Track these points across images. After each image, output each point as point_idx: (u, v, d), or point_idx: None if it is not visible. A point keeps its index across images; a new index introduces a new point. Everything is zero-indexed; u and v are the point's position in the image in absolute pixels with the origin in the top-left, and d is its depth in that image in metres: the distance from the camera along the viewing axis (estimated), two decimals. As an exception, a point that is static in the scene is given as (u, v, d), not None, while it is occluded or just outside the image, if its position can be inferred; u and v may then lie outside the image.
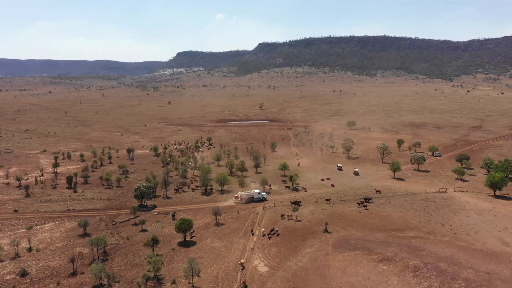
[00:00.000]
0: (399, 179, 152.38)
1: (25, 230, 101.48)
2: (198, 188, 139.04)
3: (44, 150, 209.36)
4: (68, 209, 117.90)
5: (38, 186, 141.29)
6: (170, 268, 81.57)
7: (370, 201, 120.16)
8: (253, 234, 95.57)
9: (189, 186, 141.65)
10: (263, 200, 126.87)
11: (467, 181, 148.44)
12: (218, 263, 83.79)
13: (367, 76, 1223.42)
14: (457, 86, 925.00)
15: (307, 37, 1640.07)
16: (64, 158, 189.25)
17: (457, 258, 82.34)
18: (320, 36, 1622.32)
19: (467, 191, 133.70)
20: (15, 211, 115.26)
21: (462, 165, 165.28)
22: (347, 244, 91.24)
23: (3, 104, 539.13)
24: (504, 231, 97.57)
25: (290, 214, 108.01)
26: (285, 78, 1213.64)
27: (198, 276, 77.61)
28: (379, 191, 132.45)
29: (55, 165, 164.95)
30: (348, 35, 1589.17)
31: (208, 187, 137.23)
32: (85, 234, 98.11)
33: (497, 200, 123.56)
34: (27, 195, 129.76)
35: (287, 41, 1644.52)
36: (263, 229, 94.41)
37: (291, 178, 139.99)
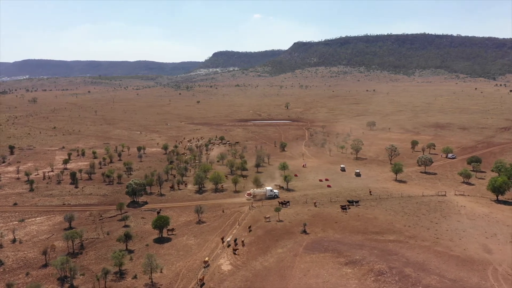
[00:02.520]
0: (400, 181, 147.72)
1: (17, 222, 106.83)
2: (184, 184, 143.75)
3: (63, 147, 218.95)
4: (64, 204, 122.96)
5: (44, 181, 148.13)
6: (138, 263, 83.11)
7: (357, 203, 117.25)
8: (223, 242, 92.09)
9: (179, 184, 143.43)
10: (275, 197, 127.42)
11: (473, 184, 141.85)
12: (184, 260, 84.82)
13: (404, 75, 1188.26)
14: (500, 85, 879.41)
15: (343, 36, 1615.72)
16: (78, 155, 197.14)
17: (428, 264, 79.14)
18: (356, 35, 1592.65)
19: (468, 195, 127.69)
20: (15, 204, 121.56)
21: (473, 168, 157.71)
22: (320, 245, 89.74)
23: (43, 103, 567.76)
24: (492, 238, 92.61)
25: (268, 216, 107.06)
26: (319, 78, 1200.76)
27: (161, 272, 79.12)
28: (370, 192, 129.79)
29: (65, 161, 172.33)
30: (385, 33, 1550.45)
31: (202, 186, 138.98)
32: (70, 228, 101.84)
33: (497, 205, 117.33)
34: (31, 190, 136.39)
35: (322, 40, 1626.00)
36: (228, 239, 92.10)
37: (285, 178, 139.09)
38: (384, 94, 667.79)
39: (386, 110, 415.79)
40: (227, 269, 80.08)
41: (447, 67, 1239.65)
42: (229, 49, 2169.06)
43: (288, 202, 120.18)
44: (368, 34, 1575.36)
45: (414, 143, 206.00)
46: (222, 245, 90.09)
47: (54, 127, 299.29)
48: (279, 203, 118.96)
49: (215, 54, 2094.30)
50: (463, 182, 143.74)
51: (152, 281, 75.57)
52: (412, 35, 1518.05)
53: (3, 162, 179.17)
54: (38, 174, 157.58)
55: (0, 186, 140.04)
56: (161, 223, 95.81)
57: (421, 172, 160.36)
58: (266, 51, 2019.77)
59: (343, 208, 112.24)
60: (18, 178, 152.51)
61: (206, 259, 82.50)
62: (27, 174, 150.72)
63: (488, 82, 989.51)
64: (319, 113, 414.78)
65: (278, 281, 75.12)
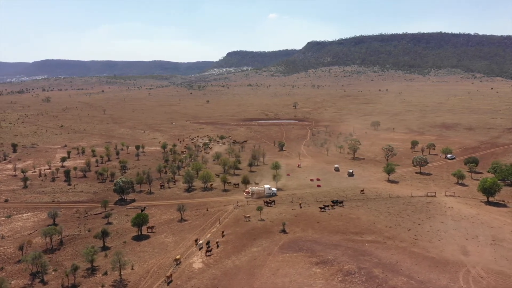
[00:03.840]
0: (393, 181, 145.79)
1: (4, 218, 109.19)
2: (173, 182, 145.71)
3: (65, 146, 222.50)
4: (53, 201, 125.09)
5: (39, 179, 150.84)
6: (112, 260, 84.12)
7: (341, 204, 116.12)
8: (196, 244, 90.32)
9: (169, 182, 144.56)
10: (273, 195, 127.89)
11: (466, 185, 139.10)
12: (158, 258, 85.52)
13: (419, 74, 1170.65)
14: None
15: (357, 35, 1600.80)
16: (78, 153, 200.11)
17: (400, 265, 77.97)
18: (371, 34, 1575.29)
19: (459, 196, 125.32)
20: (6, 200, 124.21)
21: (469, 169, 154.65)
22: (296, 245, 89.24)
23: (56, 102, 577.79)
24: (473, 240, 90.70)
25: (248, 215, 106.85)
26: (332, 77, 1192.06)
27: (132, 269, 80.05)
28: (362, 191, 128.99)
29: (63, 159, 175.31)
30: (400, 33, 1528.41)
31: (192, 185, 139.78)
32: (54, 224, 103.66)
33: (486, 207, 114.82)
34: (25, 187, 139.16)
35: (337, 39, 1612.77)
36: (201, 242, 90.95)
37: (274, 177, 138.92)
38: (396, 94, 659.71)
39: (395, 110, 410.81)
40: (198, 267, 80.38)
41: (464, 67, 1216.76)
42: (243, 49, 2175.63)
43: (273, 201, 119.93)
44: (383, 33, 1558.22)
45: (414, 143, 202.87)
46: (195, 247, 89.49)
47: (61, 126, 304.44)
48: (264, 202, 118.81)
49: (229, 54, 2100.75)
50: (457, 183, 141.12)
51: (121, 278, 76.46)
52: (428, 34, 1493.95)
53: (4, 159, 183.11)
54: (35, 172, 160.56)
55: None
56: (140, 220, 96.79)
57: (416, 173, 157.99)
58: (279, 51, 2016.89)
59: (322, 208, 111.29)
60: (15, 175, 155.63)
61: (178, 257, 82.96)
62: (23, 172, 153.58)
63: (505, 81, 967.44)
64: (326, 112, 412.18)
65: (246, 279, 75.06)
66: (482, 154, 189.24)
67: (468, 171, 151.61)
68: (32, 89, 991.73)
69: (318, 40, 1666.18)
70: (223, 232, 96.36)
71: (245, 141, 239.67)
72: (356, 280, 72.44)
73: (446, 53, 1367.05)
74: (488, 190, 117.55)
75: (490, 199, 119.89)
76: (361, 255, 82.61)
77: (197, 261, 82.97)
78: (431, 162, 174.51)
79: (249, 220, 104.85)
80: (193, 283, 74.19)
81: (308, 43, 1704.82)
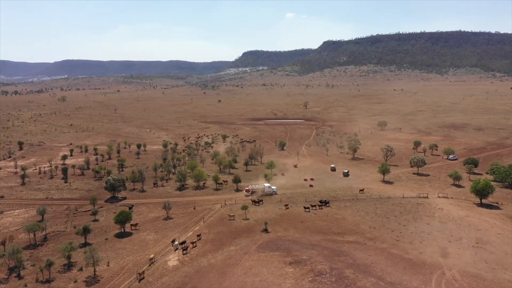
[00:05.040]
0: (387, 182, 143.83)
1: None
2: (166, 181, 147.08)
3: (70, 144, 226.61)
4: (47, 198, 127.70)
5: (38, 176, 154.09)
6: (86, 256, 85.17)
7: (327, 204, 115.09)
8: (173, 244, 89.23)
9: (162, 180, 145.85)
10: (273, 193, 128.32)
11: (462, 186, 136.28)
12: (135, 255, 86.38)
13: (437, 74, 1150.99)
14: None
15: (374, 34, 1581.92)
16: (81, 151, 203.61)
17: (374, 266, 76.90)
18: (388, 33, 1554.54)
19: (452, 198, 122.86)
20: (1, 197, 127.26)
21: (468, 170, 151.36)
22: (274, 244, 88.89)
23: (71, 101, 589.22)
24: (456, 242, 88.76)
25: (232, 214, 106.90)
26: (347, 77, 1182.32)
27: (108, 265, 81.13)
28: (363, 190, 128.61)
29: (64, 157, 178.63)
30: (418, 31, 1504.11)
31: (184, 183, 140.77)
32: (42, 220, 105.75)
33: (478, 209, 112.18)
34: (22, 183, 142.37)
35: (353, 38, 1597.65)
36: (176, 242, 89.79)
37: (266, 176, 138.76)
38: (411, 94, 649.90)
39: (406, 110, 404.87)
40: (172, 265, 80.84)
41: (483, 66, 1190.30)
42: (259, 49, 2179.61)
43: (261, 200, 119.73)
44: (400, 32, 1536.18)
45: (417, 144, 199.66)
46: (172, 247, 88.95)
47: (71, 125, 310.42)
48: (252, 201, 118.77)
49: (244, 54, 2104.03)
50: (453, 185, 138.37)
51: (95, 274, 77.58)
52: (446, 32, 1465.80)
53: (9, 157, 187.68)
54: (35, 169, 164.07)
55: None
56: (122, 218, 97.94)
57: (413, 174, 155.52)
58: (295, 50, 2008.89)
59: (307, 208, 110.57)
60: (15, 173, 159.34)
61: (152, 256, 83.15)
62: (23, 169, 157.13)
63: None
64: (336, 112, 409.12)
65: (217, 278, 75.15)
66: (487, 155, 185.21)
67: (467, 172, 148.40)
68: (51, 89, 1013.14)
69: (334, 40, 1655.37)
70: (199, 235, 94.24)
71: (254, 141, 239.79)
72: (326, 280, 71.75)
73: (465, 52, 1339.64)
74: (481, 192, 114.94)
75: (484, 201, 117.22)
76: (336, 256, 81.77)
77: (172, 259, 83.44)
78: (431, 163, 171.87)
79: (233, 219, 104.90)
80: (164, 281, 74.70)
81: (324, 42, 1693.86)
